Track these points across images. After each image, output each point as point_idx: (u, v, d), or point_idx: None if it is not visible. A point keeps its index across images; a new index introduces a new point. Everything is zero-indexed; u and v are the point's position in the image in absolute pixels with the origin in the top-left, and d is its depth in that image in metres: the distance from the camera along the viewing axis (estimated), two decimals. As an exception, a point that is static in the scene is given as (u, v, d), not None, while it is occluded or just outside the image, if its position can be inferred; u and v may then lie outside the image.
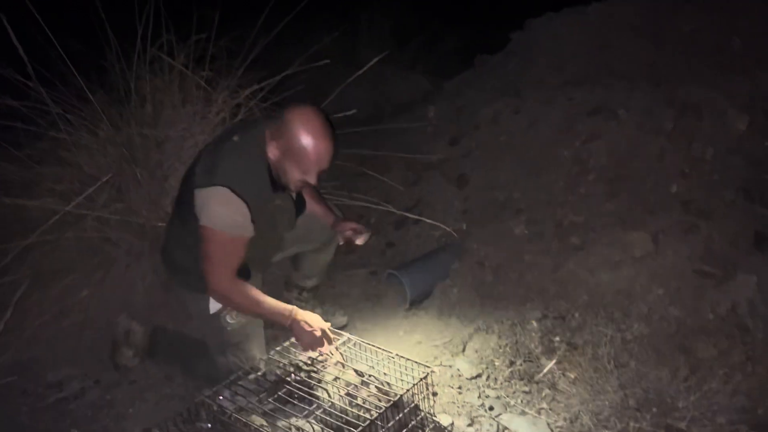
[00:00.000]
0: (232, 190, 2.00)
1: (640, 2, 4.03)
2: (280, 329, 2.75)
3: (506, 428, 2.15)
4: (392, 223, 3.53)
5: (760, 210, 2.75)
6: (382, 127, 3.93)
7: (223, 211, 2.02)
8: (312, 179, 2.09)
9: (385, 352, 2.28)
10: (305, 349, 2.23)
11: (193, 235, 2.12)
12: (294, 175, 2.09)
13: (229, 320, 2.26)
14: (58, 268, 2.85)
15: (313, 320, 2.21)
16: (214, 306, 2.25)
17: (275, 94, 3.25)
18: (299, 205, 2.39)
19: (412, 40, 6.31)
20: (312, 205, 2.53)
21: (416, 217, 3.33)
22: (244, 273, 2.25)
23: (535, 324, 2.61)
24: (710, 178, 2.89)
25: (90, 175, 2.89)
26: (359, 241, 2.52)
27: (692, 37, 3.69)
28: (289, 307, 2.19)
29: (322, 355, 2.28)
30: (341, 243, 2.53)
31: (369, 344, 2.33)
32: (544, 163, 3.29)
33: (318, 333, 2.18)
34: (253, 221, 2.07)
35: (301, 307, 2.24)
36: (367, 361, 2.30)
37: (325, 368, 2.21)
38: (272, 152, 2.09)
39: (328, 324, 2.27)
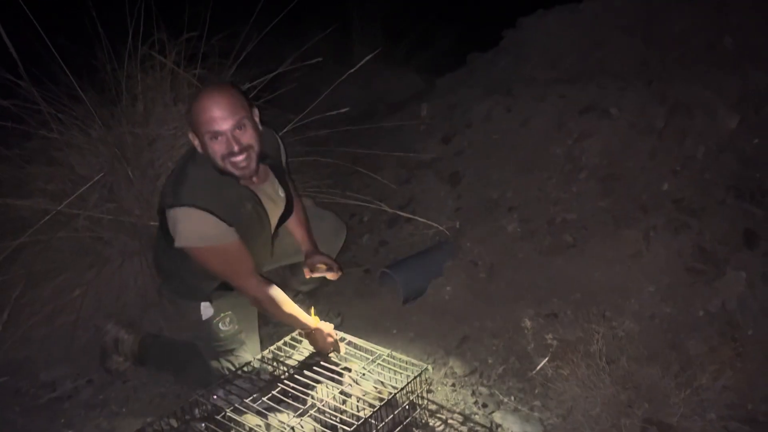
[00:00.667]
0: (196, 206, 1.95)
1: (632, 0, 4.04)
2: (273, 328, 2.77)
3: (499, 425, 2.16)
4: (385, 221, 3.53)
5: (750, 208, 2.76)
6: (374, 126, 3.93)
7: (192, 228, 1.98)
8: (226, 144, 1.94)
9: (378, 351, 2.29)
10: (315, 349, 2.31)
11: (174, 251, 2.12)
12: (214, 148, 1.95)
13: (222, 327, 2.26)
14: (50, 267, 2.84)
15: (329, 330, 2.29)
16: (206, 313, 2.24)
17: (267, 92, 3.25)
18: (288, 208, 2.35)
19: (405, 37, 6.31)
20: (294, 228, 2.49)
21: (409, 215, 3.33)
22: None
23: (527, 321, 2.62)
24: (701, 176, 2.90)
25: (81, 174, 2.88)
26: (330, 276, 2.44)
27: (684, 36, 3.70)
28: (312, 320, 2.26)
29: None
30: (307, 276, 2.44)
31: (363, 343, 2.34)
32: (537, 161, 3.30)
33: (331, 341, 2.28)
34: (231, 225, 2.02)
35: None
36: (361, 359, 2.30)
37: (320, 367, 2.22)
38: (196, 145, 2.02)
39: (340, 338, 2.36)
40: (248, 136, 1.97)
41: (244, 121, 1.96)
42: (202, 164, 2.02)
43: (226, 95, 1.95)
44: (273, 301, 2.15)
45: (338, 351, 2.31)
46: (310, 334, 2.27)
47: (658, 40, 3.76)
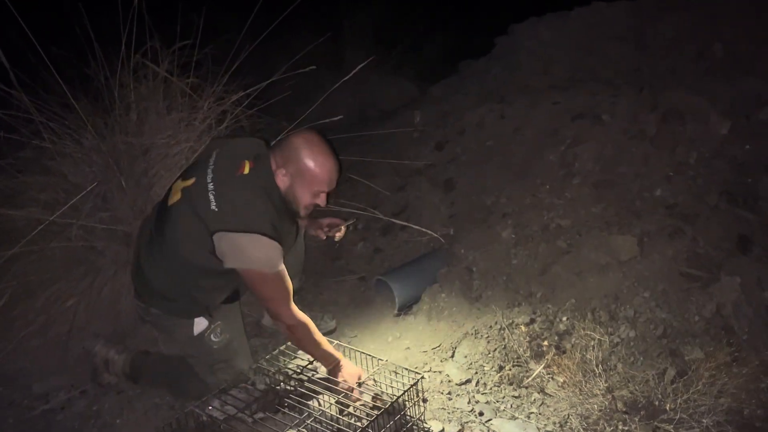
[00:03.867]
0: (266, 235, 2.03)
1: (624, 8, 4.08)
2: (268, 338, 2.75)
3: (496, 433, 2.16)
4: (379, 228, 3.53)
5: (742, 213, 2.78)
6: (368, 133, 3.93)
7: (263, 255, 2.05)
8: (322, 201, 2.19)
9: (374, 359, 2.28)
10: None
11: (187, 268, 2.12)
12: (305, 200, 2.15)
13: (213, 338, 2.24)
14: (43, 277, 2.81)
15: (351, 370, 2.26)
16: (198, 327, 2.22)
17: (261, 100, 3.25)
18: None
19: (398, 45, 6.33)
20: None
21: (403, 223, 3.33)
22: (234, 295, 2.29)
23: (523, 328, 2.62)
24: (694, 181, 2.92)
25: (74, 184, 2.86)
26: (338, 235, 2.60)
27: (675, 43, 3.73)
28: (337, 354, 2.26)
29: (312, 363, 2.29)
30: (323, 237, 2.62)
31: (358, 351, 2.34)
32: (530, 168, 3.31)
33: (353, 381, 2.22)
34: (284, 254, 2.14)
35: None
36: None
37: (316, 376, 2.21)
38: (282, 181, 2.12)
39: (361, 372, 2.30)
40: None
41: None
42: (268, 195, 2.11)
43: (341, 167, 2.21)
44: (306, 329, 2.18)
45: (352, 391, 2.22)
46: (335, 368, 2.24)
47: (650, 48, 3.79)
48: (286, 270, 2.13)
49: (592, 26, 4.05)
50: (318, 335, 2.21)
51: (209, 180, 2.09)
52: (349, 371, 2.24)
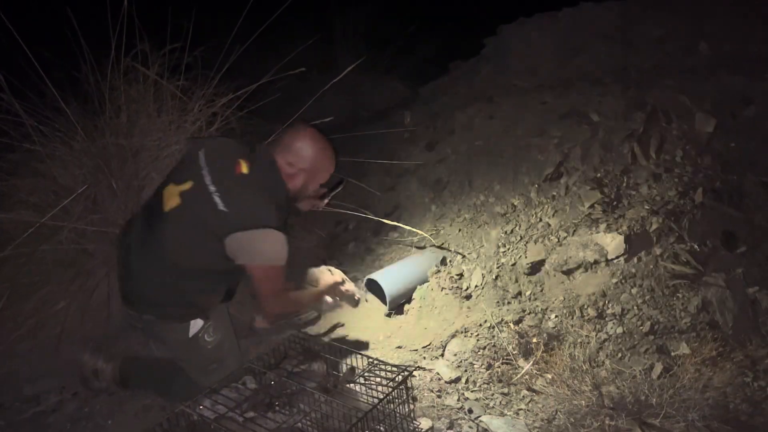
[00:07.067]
0: (279, 230, 2.09)
1: (610, 8, 4.11)
2: (257, 343, 2.76)
3: (485, 430, 2.17)
4: (371, 229, 3.55)
5: (728, 210, 2.81)
6: (359, 134, 3.95)
7: (274, 248, 2.11)
8: (317, 186, 2.32)
9: (365, 357, 2.29)
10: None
11: (189, 273, 2.12)
12: (309, 191, 2.29)
13: (207, 338, 2.25)
14: (33, 280, 2.82)
15: (326, 280, 2.47)
16: (194, 328, 2.22)
17: (251, 102, 3.25)
18: None
19: (388, 46, 6.34)
20: None
21: (394, 223, 3.35)
22: (228, 295, 2.35)
23: (512, 326, 2.64)
24: (680, 179, 2.95)
25: (65, 186, 2.86)
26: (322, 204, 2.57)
27: (661, 41, 3.77)
28: (310, 292, 2.45)
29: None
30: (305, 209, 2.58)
31: (349, 349, 2.34)
32: (519, 167, 3.33)
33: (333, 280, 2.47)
34: None
35: None
36: (347, 366, 2.31)
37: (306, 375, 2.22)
38: (291, 177, 2.20)
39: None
40: None
41: None
42: (271, 191, 2.15)
43: None
44: (289, 303, 2.35)
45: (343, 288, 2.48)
46: (323, 295, 2.43)
47: (636, 47, 3.82)
48: None
49: (579, 26, 4.08)
50: (293, 298, 2.35)
51: (208, 182, 2.06)
52: (326, 282, 2.45)
